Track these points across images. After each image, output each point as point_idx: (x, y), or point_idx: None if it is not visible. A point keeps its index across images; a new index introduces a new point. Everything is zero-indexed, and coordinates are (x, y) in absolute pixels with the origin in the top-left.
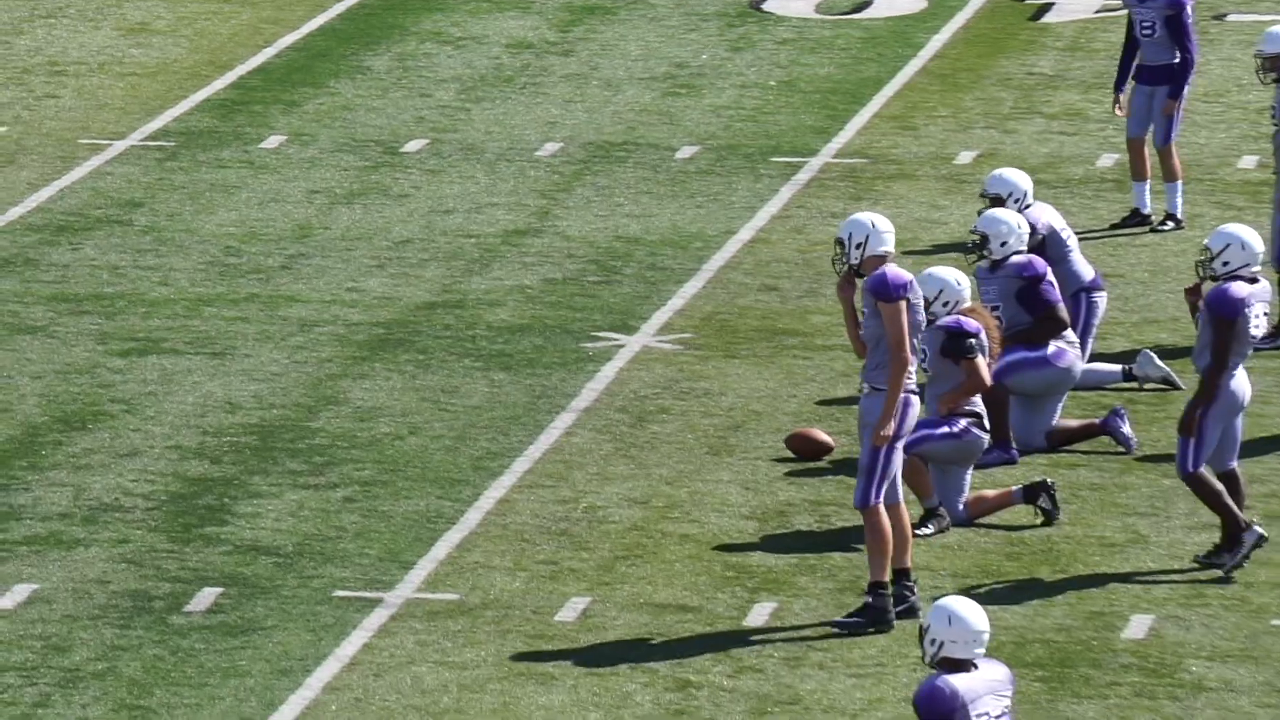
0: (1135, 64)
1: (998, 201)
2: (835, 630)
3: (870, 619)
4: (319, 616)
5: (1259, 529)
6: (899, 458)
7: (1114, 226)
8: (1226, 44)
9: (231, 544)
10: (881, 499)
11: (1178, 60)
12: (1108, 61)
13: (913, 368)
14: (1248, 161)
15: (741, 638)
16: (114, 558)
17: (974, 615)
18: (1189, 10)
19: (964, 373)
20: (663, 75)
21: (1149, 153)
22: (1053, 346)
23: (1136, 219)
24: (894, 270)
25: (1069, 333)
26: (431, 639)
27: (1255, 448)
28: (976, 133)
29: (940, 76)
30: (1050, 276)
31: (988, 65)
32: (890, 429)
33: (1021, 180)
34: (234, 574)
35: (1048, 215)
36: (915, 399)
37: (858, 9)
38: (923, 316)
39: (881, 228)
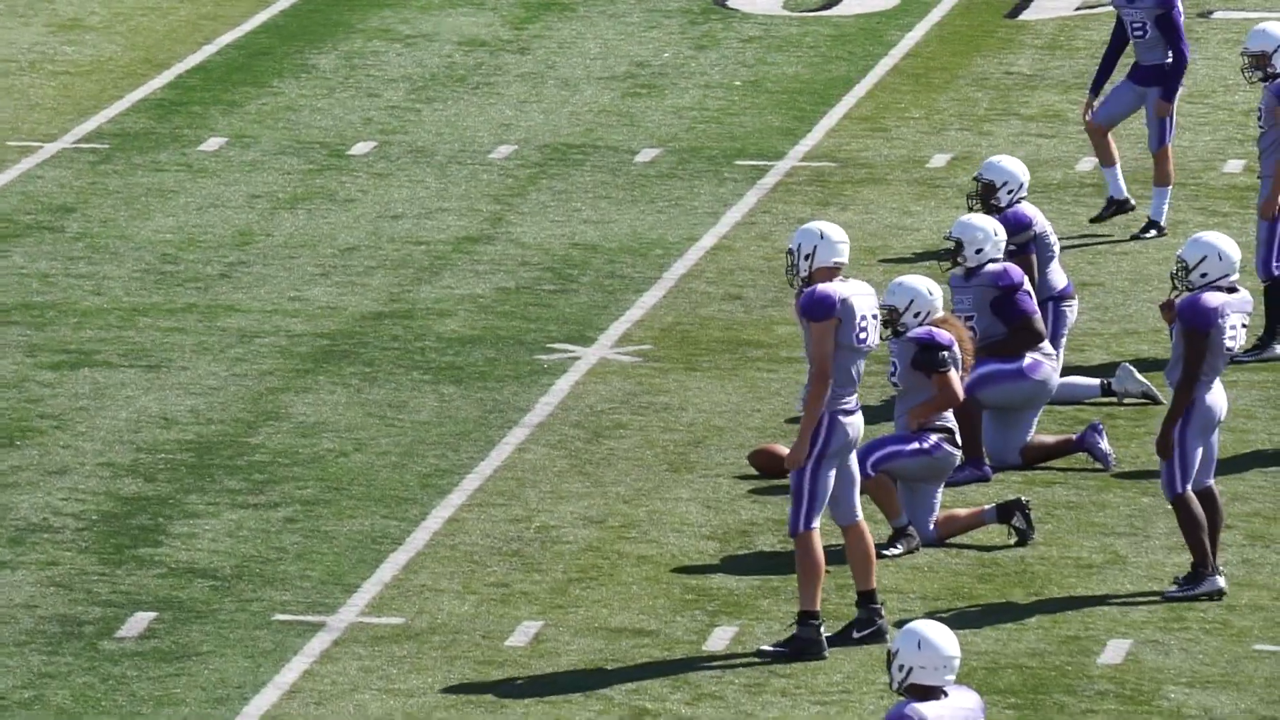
0: (1130, 63)
1: (989, 189)
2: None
3: (795, 649)
4: (258, 642)
5: (1221, 582)
6: (828, 480)
7: (1092, 221)
8: (1213, 42)
9: (166, 566)
10: (813, 525)
11: (1170, 61)
12: (1088, 60)
13: (849, 387)
14: (1233, 165)
15: (701, 663)
16: (42, 581)
17: (944, 640)
18: (1179, 8)
19: (935, 387)
20: (623, 74)
21: (1112, 140)
22: (1028, 359)
23: (1114, 208)
24: (825, 287)
25: (1045, 344)
26: (376, 665)
27: (1238, 464)
28: (951, 135)
29: (913, 76)
30: (1027, 285)
31: (962, 64)
32: (803, 451)
33: (1019, 170)
34: (168, 597)
35: (1036, 213)
36: (846, 419)
37: (826, 5)
38: (869, 334)
39: (834, 237)
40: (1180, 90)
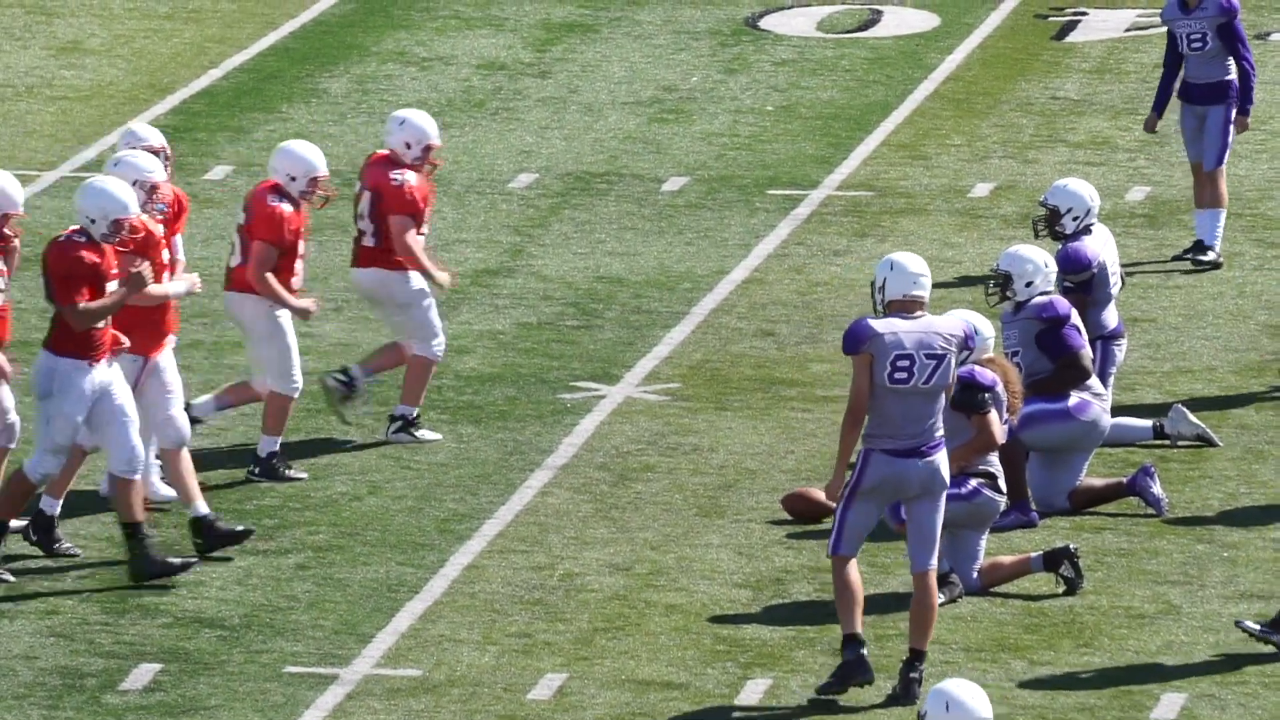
0: (1180, 82)
1: (1054, 215)
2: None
3: (840, 678)
4: (268, 695)
5: None
6: (862, 515)
7: (1175, 258)
8: (1270, 65)
9: (172, 615)
10: (840, 552)
11: (1232, 74)
12: (1138, 85)
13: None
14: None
15: (733, 717)
16: (42, 631)
17: (974, 700)
18: (1240, 17)
19: (974, 428)
20: (649, 99)
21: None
22: (1074, 398)
23: (1199, 250)
24: (863, 321)
25: (1095, 383)
26: (392, 719)
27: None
28: (994, 163)
29: (954, 101)
30: (1075, 319)
31: (1007, 89)
32: (837, 486)
33: (1086, 194)
34: (174, 649)
35: (1104, 247)
36: (887, 459)
37: (864, 26)
38: (911, 375)
39: (909, 268)
40: (1234, 117)
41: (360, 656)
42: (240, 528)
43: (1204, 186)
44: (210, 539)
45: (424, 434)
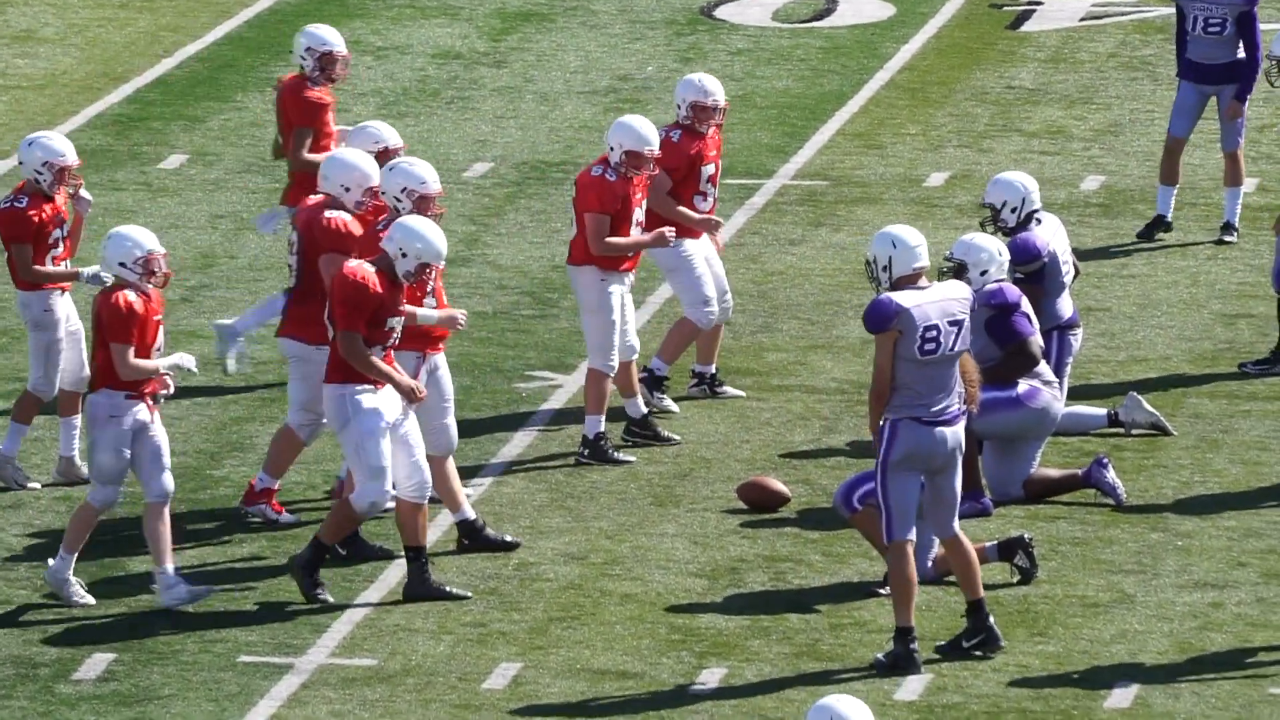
0: (1186, 61)
1: (994, 211)
2: (792, 697)
3: (890, 664)
4: (222, 684)
5: None
6: (905, 488)
7: (1140, 236)
8: None
9: (126, 605)
10: (900, 536)
11: (1242, 57)
12: (1093, 74)
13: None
14: (1245, 185)
15: (688, 707)
16: None
17: (859, 716)
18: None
19: None
20: (604, 89)
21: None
22: (1024, 385)
23: (1161, 226)
24: (886, 296)
25: (1045, 370)
26: (347, 709)
27: (1252, 498)
28: (949, 152)
29: (909, 90)
30: (1025, 306)
31: (961, 78)
32: (879, 458)
33: (1019, 183)
34: (128, 638)
35: (1054, 236)
36: (917, 426)
37: (819, 16)
38: (939, 344)
39: (910, 241)
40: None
41: (315, 646)
42: (509, 538)
43: (1175, 164)
44: (476, 543)
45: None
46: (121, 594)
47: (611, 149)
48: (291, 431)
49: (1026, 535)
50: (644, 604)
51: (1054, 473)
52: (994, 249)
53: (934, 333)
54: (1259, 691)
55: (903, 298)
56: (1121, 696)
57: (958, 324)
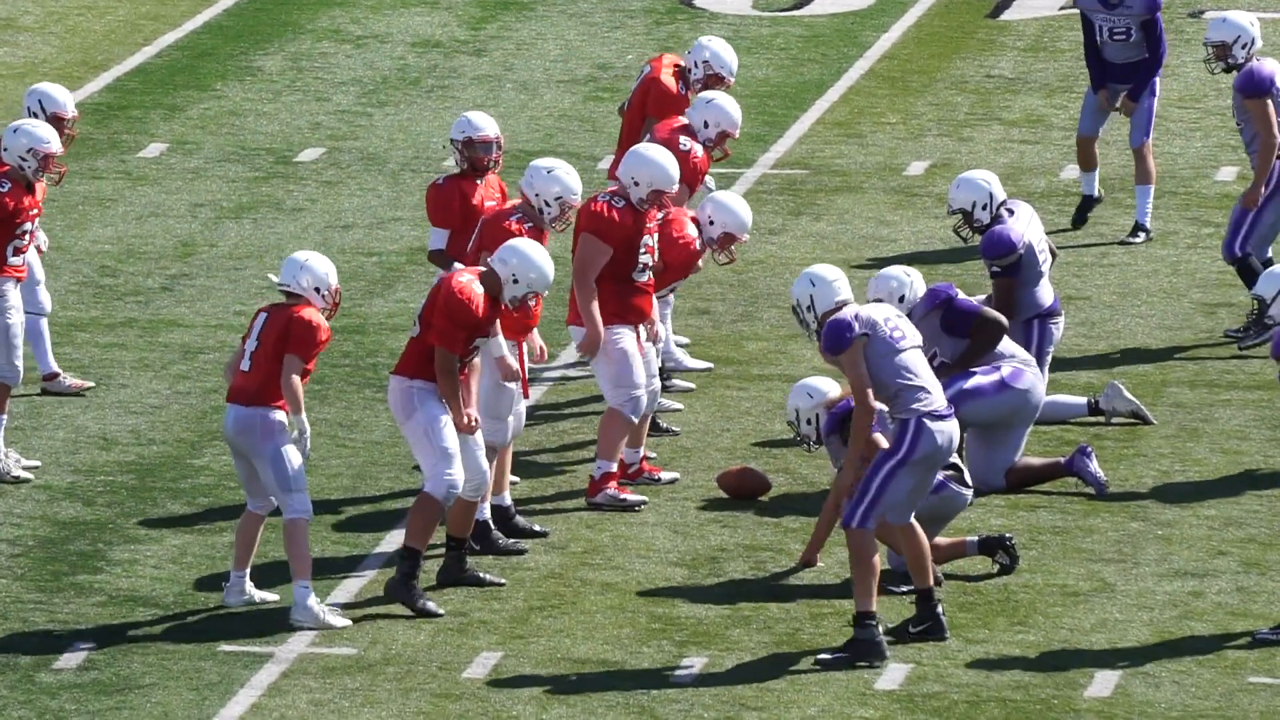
0: (1098, 65)
1: (966, 215)
2: (773, 686)
3: (854, 653)
4: (203, 673)
5: None
6: (904, 487)
7: (1075, 223)
8: (1199, 43)
9: (106, 594)
10: (869, 525)
11: (1145, 57)
12: (1073, 63)
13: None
14: (1226, 173)
15: (668, 696)
16: None
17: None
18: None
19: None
20: (584, 78)
21: (1098, 150)
22: (1008, 368)
23: (1087, 205)
24: (836, 319)
25: (1021, 351)
26: (327, 698)
27: (1233, 487)
28: (929, 141)
29: (889, 79)
30: (953, 291)
31: (941, 67)
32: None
33: (980, 180)
34: (109, 627)
35: (1028, 226)
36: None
37: (798, 5)
38: (904, 330)
39: (828, 277)
40: (1159, 84)
41: (296, 635)
42: (538, 528)
43: (1090, 155)
44: (509, 531)
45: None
46: (101, 584)
47: (636, 183)
48: (618, 414)
49: (1008, 537)
50: (624, 593)
51: (1036, 461)
52: (901, 274)
53: (892, 323)
54: (1239, 680)
55: (847, 311)
56: (1102, 685)
57: (902, 318)
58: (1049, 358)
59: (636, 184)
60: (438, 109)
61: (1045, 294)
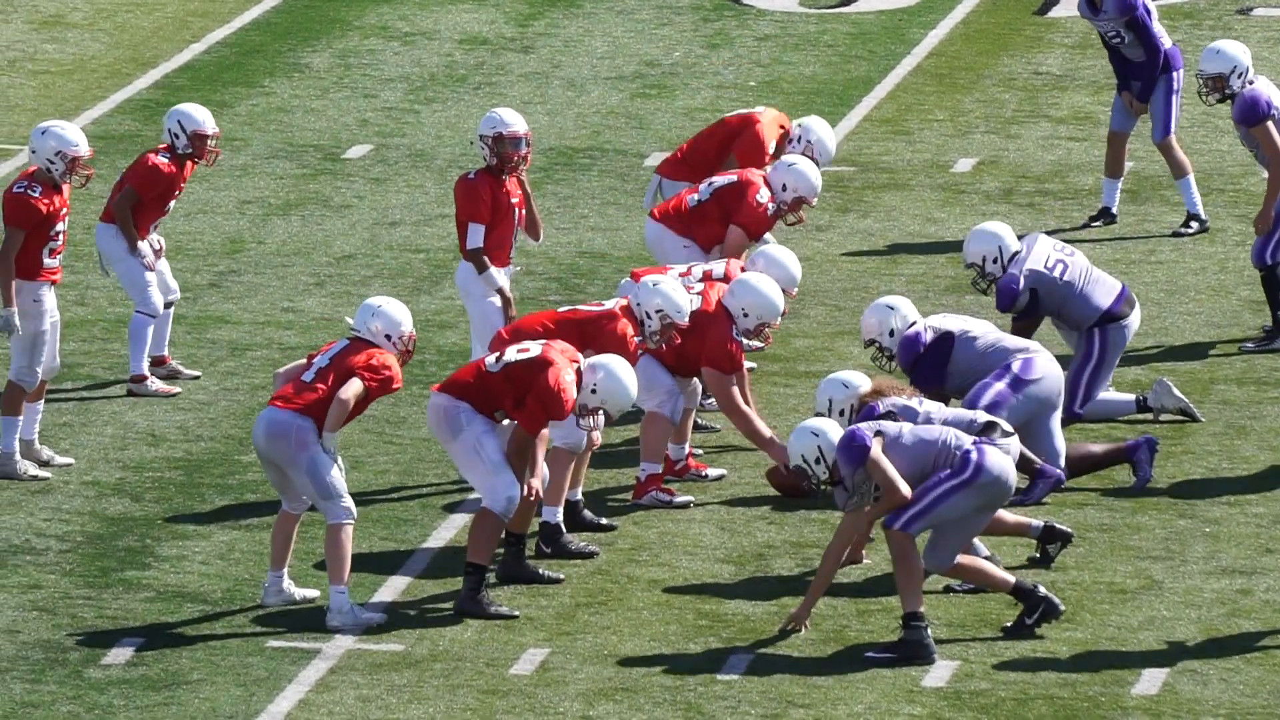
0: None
1: (980, 269)
2: (820, 683)
3: (903, 653)
4: (250, 669)
5: None
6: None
7: (1083, 226)
8: (1253, 40)
9: (154, 590)
10: (914, 530)
11: (1146, 59)
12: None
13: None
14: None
15: (715, 692)
16: (24, 605)
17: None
18: (1142, 8)
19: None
20: (631, 75)
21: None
22: (1017, 362)
23: (1105, 217)
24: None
25: (1033, 343)
26: (374, 694)
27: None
28: (976, 138)
29: (937, 76)
30: (924, 336)
31: (989, 64)
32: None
33: (991, 232)
34: (157, 623)
35: (1034, 259)
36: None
37: (845, 2)
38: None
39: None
40: (1179, 81)
41: (343, 631)
42: (605, 521)
43: (1119, 155)
44: (574, 524)
45: None
46: (150, 580)
47: (745, 314)
48: (658, 415)
49: (1071, 534)
50: (671, 590)
51: (1098, 449)
52: (884, 304)
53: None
54: None
55: (867, 426)
56: (1149, 683)
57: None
58: (1112, 364)
59: (745, 314)
60: (485, 106)
61: (1097, 299)
